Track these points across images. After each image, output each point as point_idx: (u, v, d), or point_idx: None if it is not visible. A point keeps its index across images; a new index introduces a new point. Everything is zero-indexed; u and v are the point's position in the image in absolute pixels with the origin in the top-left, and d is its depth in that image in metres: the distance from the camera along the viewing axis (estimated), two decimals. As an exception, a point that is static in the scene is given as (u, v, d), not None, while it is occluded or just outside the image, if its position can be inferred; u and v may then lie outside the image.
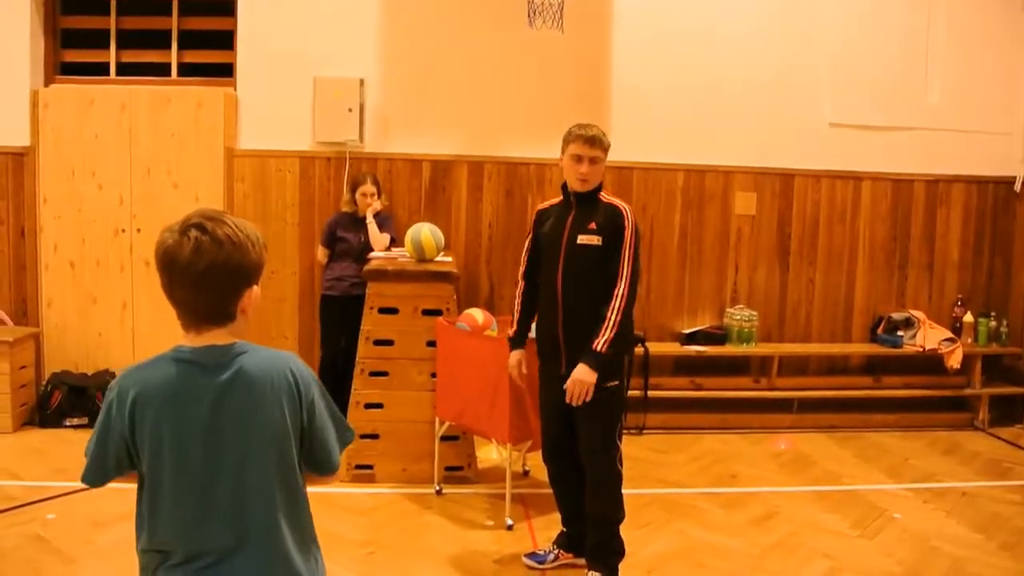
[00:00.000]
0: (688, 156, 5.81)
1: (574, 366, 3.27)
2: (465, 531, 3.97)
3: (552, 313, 3.38)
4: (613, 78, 5.71)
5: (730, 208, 5.90)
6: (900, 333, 5.89)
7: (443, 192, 5.71)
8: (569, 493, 3.55)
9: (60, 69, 5.66)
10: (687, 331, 5.80)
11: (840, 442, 5.51)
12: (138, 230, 5.40)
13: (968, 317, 5.97)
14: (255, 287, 1.68)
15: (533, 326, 3.58)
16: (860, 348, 6.03)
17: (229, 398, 1.62)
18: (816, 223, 6.00)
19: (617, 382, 3.33)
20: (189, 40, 5.72)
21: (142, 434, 1.60)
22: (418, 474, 4.46)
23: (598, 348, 3.21)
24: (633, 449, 5.03)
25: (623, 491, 3.44)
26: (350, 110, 5.47)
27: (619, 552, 3.44)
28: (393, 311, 4.45)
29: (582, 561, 3.53)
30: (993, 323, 5.99)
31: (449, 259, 4.92)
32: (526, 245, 3.61)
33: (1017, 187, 6.08)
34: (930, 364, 5.84)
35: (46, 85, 5.54)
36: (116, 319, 5.45)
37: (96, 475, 1.67)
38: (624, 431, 3.47)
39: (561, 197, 3.47)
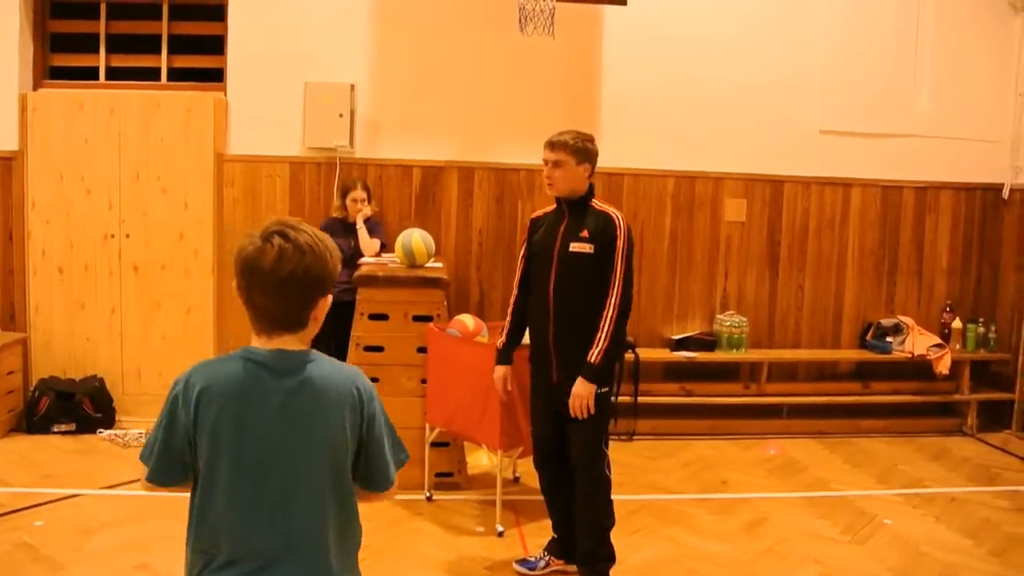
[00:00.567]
0: (678, 162, 5.82)
1: (564, 373, 3.27)
2: (456, 538, 3.96)
3: (543, 321, 3.38)
4: (604, 84, 5.72)
5: (720, 214, 5.91)
6: (889, 339, 5.91)
7: (434, 198, 5.70)
8: (560, 499, 3.55)
9: (49, 73, 5.63)
10: (677, 337, 5.81)
11: (830, 448, 5.52)
12: (127, 235, 5.37)
13: (956, 323, 6.00)
14: (329, 296, 1.70)
15: (527, 334, 3.57)
16: (849, 354, 6.04)
17: (294, 403, 1.63)
18: (806, 229, 6.01)
19: (607, 388, 3.34)
20: (179, 45, 5.69)
21: (203, 427, 1.60)
22: (408, 480, 4.42)
23: (592, 359, 3.21)
24: (623, 455, 5.03)
25: (613, 497, 3.45)
26: (341, 115, 5.46)
27: (610, 558, 3.44)
28: (383, 317, 4.44)
29: (573, 568, 3.54)
30: (981, 329, 6.03)
31: (440, 265, 4.91)
32: (521, 253, 3.61)
33: (1005, 194, 6.11)
34: (919, 370, 5.86)
35: (35, 89, 5.51)
36: (104, 324, 5.40)
37: (162, 473, 1.64)
38: (613, 437, 3.47)
39: (555, 205, 3.47)
